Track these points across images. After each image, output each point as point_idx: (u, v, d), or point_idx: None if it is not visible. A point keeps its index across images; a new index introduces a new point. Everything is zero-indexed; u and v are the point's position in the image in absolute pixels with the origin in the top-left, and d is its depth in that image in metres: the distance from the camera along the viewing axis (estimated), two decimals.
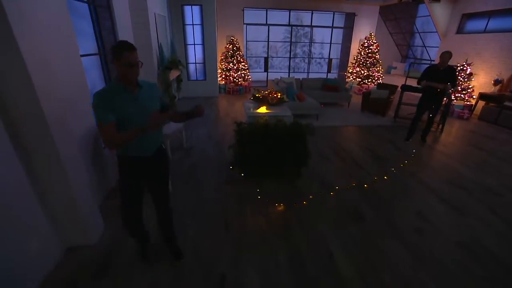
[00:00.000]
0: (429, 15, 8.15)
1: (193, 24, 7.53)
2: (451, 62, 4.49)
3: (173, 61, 5.12)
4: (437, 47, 8.68)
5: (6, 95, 1.60)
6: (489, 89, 6.75)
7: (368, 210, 2.87)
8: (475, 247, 2.38)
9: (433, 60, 8.54)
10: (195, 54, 7.92)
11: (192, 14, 7.40)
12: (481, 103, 6.65)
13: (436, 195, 3.19)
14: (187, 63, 7.86)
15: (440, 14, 7.98)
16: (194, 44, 7.79)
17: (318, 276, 2.05)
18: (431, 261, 2.21)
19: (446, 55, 4.20)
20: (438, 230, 2.60)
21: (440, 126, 5.49)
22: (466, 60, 6.94)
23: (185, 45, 7.70)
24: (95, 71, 3.17)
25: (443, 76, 4.25)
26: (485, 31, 7.21)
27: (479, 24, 7.39)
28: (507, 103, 6.07)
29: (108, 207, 2.76)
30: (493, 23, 7.04)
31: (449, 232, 2.56)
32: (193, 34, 7.66)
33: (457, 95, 6.92)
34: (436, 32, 8.34)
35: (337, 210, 2.86)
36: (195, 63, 8.04)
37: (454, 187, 3.38)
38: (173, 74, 5.14)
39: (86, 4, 2.93)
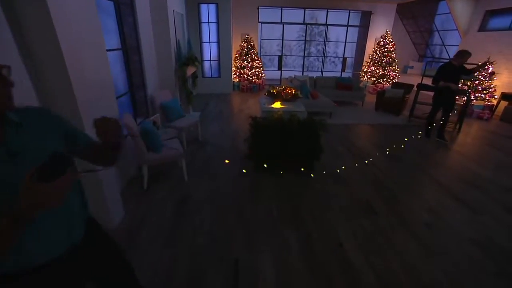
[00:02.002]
0: (450, 13, 7.96)
1: (208, 22, 7.69)
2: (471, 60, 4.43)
3: (190, 57, 5.27)
4: (457, 45, 8.47)
5: (45, 83, 1.76)
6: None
7: (380, 204, 2.90)
8: (488, 244, 2.37)
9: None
10: (210, 51, 8.08)
11: (208, 12, 7.56)
12: (503, 103, 6.45)
13: (449, 193, 3.17)
14: (202, 60, 8.03)
15: (462, 11, 7.78)
16: (210, 42, 7.95)
17: (328, 262, 2.11)
18: (441, 255, 2.23)
19: (466, 55, 4.25)
20: (450, 226, 2.60)
21: (458, 126, 5.39)
22: (488, 59, 6.73)
23: (201, 42, 7.87)
24: (117, 65, 3.34)
25: (458, 74, 4.24)
26: (510, 28, 6.97)
27: (504, 21, 7.15)
28: None
29: (128, 195, 2.92)
30: None
31: (461, 229, 2.56)
32: (209, 32, 7.82)
33: (476, 95, 6.74)
34: (457, 30, 8.13)
35: (349, 203, 2.90)
36: (210, 60, 8.20)
37: (468, 186, 3.34)
38: (190, 70, 5.29)
39: (112, 2, 3.09)
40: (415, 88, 6.07)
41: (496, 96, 6.70)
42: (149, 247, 2.23)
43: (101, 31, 2.30)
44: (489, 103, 6.69)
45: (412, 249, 2.29)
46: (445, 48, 9.12)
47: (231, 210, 2.74)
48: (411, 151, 4.35)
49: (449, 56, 9.01)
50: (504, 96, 6.41)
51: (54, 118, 0.94)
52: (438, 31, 9.15)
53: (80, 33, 1.95)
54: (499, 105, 6.52)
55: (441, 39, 9.13)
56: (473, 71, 4.42)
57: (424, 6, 8.89)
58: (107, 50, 2.55)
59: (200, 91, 8.11)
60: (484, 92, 6.72)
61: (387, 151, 4.18)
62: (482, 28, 7.69)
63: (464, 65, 4.40)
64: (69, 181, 0.70)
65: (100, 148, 1.02)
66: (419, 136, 4.88)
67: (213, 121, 5.60)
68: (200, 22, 7.63)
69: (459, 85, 4.29)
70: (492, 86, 6.74)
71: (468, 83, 6.81)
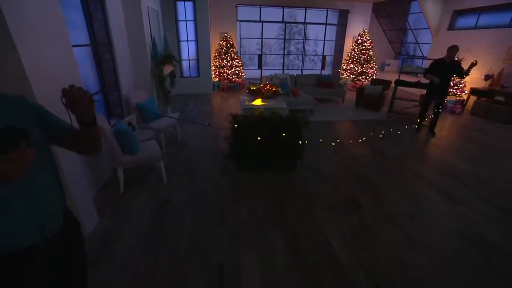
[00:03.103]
0: (421, 12, 8.30)
1: (186, 20, 7.50)
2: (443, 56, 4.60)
3: (167, 55, 5.09)
4: (430, 43, 8.84)
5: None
6: (480, 84, 6.90)
7: (364, 199, 2.91)
8: (469, 233, 2.44)
9: (426, 56, 8.68)
10: (188, 50, 7.89)
11: (185, 9, 7.37)
12: (473, 98, 6.79)
13: (430, 185, 3.26)
14: (180, 60, 7.82)
15: (432, 10, 8.13)
16: (187, 41, 7.76)
17: (316, 262, 2.07)
18: (427, 246, 2.26)
19: (454, 50, 4.39)
20: (433, 217, 2.65)
21: (423, 120, 5.58)
22: (458, 56, 7.06)
23: (178, 41, 7.66)
24: (87, 63, 3.14)
25: (450, 70, 4.43)
26: (475, 27, 7.37)
27: (470, 20, 7.55)
28: (497, 98, 6.21)
29: (102, 199, 2.74)
30: (484, 20, 7.20)
31: (443, 220, 2.62)
32: (186, 30, 7.63)
33: (449, 90, 7.06)
34: (428, 28, 8.49)
35: (334, 199, 2.89)
36: (189, 59, 8.01)
37: (448, 177, 3.45)
38: (167, 69, 5.11)
39: None
40: (392, 85, 6.24)
41: (466, 92, 7.05)
42: (127, 254, 2.08)
43: (65, 25, 2.12)
44: (460, 98, 7.03)
45: (398, 242, 2.30)
46: (419, 46, 9.50)
47: (213, 212, 2.63)
48: (392, 146, 4.45)
49: (423, 54, 9.41)
50: (473, 91, 6.75)
51: (29, 105, 0.91)
52: (411, 29, 9.51)
53: (39, 27, 1.78)
54: (469, 100, 6.87)
55: (415, 37, 9.50)
56: (468, 68, 4.55)
57: (397, 6, 9.21)
58: (73, 46, 2.36)
59: (179, 91, 7.89)
60: (455, 87, 7.05)
61: (360, 139, 4.24)
62: (451, 27, 8.08)
63: (461, 65, 4.58)
64: (24, 154, 0.69)
65: (78, 132, 0.98)
66: (398, 132, 5.00)
67: (193, 121, 5.45)
68: (176, 20, 7.42)
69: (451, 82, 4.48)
70: (462, 82, 7.09)
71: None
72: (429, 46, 8.87)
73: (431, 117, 5.00)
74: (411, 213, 2.70)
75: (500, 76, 6.52)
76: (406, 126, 5.33)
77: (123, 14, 3.91)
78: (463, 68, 4.56)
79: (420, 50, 9.50)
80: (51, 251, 0.94)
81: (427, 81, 4.90)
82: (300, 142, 3.22)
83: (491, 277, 1.99)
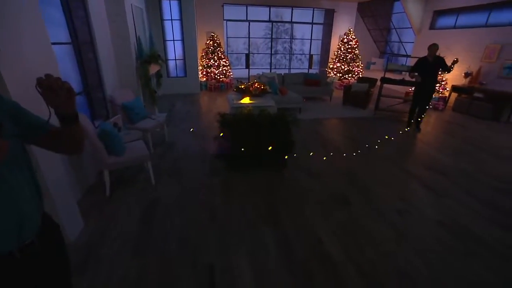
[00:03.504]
0: (404, 12, 8.50)
1: (171, 19, 7.39)
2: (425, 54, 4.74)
3: (153, 55, 4.99)
4: (413, 42, 9.07)
5: None
6: (461, 81, 7.14)
7: (354, 195, 2.95)
8: (453, 225, 2.51)
9: (410, 55, 8.91)
10: (174, 50, 7.77)
11: (170, 9, 7.26)
12: (454, 95, 7.03)
13: (417, 180, 3.34)
14: (166, 59, 7.69)
15: (414, 10, 8.35)
16: (174, 40, 7.64)
17: (308, 260, 2.07)
18: (414, 239, 2.31)
19: (434, 48, 4.59)
20: (419, 211, 2.71)
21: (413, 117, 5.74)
22: (439, 55, 7.28)
23: (164, 41, 7.53)
24: (68, 62, 3.03)
25: (433, 66, 4.61)
26: (455, 27, 7.62)
27: (449, 20, 7.80)
28: (476, 94, 6.45)
29: (87, 203, 2.65)
30: (462, 20, 7.46)
31: (429, 213, 2.69)
32: (172, 30, 7.51)
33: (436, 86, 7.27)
34: (411, 28, 8.71)
35: (324, 196, 2.91)
36: (175, 59, 7.89)
37: (432, 172, 3.55)
38: (153, 69, 5.01)
39: None
40: (378, 83, 6.37)
41: (447, 89, 7.29)
42: (115, 258, 2.02)
43: (43, 21, 2.03)
44: (442, 95, 7.25)
45: (387, 237, 2.34)
46: (402, 45, 9.72)
47: (203, 212, 2.60)
48: (379, 142, 4.53)
49: (406, 52, 9.64)
50: (454, 88, 6.98)
51: (3, 100, 0.84)
52: (395, 29, 9.73)
53: (15, 22, 1.70)
54: (451, 97, 7.10)
55: (398, 36, 9.72)
56: (451, 65, 4.71)
57: (381, 5, 9.40)
58: (53, 44, 2.27)
59: (166, 91, 7.76)
60: (438, 85, 7.27)
61: (349, 136, 4.29)
62: (432, 26, 8.32)
63: (445, 61, 4.75)
64: None
65: (59, 130, 0.93)
66: (385, 128, 5.10)
67: (180, 121, 5.38)
68: (162, 19, 7.30)
69: (438, 78, 4.70)
70: (444, 79, 7.32)
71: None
72: (413, 45, 9.10)
73: (418, 113, 5.14)
74: (398, 208, 2.75)
75: (479, 74, 6.77)
76: (392, 123, 5.45)
77: (105, 11, 3.80)
78: (446, 64, 4.72)
79: (404, 48, 9.73)
80: (28, 259, 0.88)
81: (412, 79, 5.05)
82: (289, 139, 3.23)
83: (472, 264, 2.06)
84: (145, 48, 5.37)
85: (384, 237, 2.33)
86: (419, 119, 5.18)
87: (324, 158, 3.81)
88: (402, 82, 6.15)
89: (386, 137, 4.74)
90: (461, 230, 2.45)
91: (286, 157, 3.36)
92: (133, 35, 4.50)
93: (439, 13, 8.10)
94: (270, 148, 3.15)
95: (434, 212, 2.71)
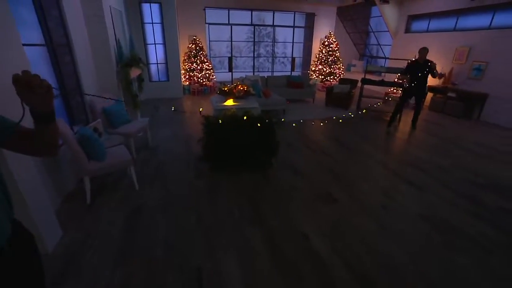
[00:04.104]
0: (381, 16, 8.83)
1: (152, 23, 7.27)
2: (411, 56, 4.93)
3: (134, 58, 4.88)
4: (390, 45, 9.43)
5: None
6: (435, 82, 7.48)
7: (339, 193, 3.00)
8: (431, 216, 2.62)
9: (388, 57, 9.26)
10: (156, 54, 7.65)
11: (151, 12, 7.15)
12: (430, 95, 7.35)
13: (398, 175, 3.45)
14: (148, 63, 7.55)
15: (390, 14, 8.69)
16: (155, 44, 7.52)
17: (296, 257, 2.08)
18: (398, 232, 2.38)
19: (424, 51, 4.80)
20: (402, 205, 2.81)
21: (398, 116, 5.95)
22: (415, 56, 7.61)
23: (145, 44, 7.40)
24: (42, 65, 2.90)
25: (422, 69, 4.82)
26: (427, 30, 8.00)
27: (423, 24, 8.18)
28: (449, 94, 6.79)
29: (66, 212, 2.54)
30: (434, 24, 7.86)
31: (411, 207, 2.78)
32: (153, 33, 7.39)
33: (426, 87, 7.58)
34: (388, 31, 9.06)
35: (310, 195, 2.94)
36: (157, 63, 7.76)
37: (413, 168, 3.68)
38: (134, 73, 4.89)
39: None
40: (359, 84, 6.55)
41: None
42: (97, 267, 1.94)
43: (13, 20, 1.94)
44: None
45: (372, 231, 2.40)
46: (381, 47, 10.08)
47: (189, 216, 2.55)
48: (361, 141, 4.65)
49: (384, 55, 10.00)
50: (430, 88, 7.31)
51: None
52: (373, 32, 10.08)
53: None
54: (427, 97, 7.42)
55: (377, 39, 10.07)
56: (435, 71, 4.91)
57: (359, 10, 9.72)
58: (24, 45, 2.17)
59: (148, 96, 7.61)
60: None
61: (332, 136, 4.38)
62: (408, 30, 8.70)
63: (435, 65, 4.95)
64: None
65: (29, 131, 0.89)
66: (367, 128, 5.25)
67: (164, 125, 5.28)
68: (143, 22, 7.17)
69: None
70: None
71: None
72: (390, 48, 9.46)
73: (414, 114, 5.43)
74: (382, 202, 2.83)
75: (451, 74, 7.12)
76: (374, 122, 5.61)
77: (82, 13, 3.68)
78: (435, 69, 4.95)
79: (382, 51, 10.09)
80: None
81: (391, 80, 5.24)
82: (273, 140, 3.25)
83: (450, 253, 2.16)
84: (126, 52, 5.25)
85: (370, 232, 2.38)
86: (414, 119, 5.45)
87: (310, 156, 3.85)
88: (381, 83, 6.36)
89: (366, 135, 4.88)
90: (438, 221, 2.56)
91: (271, 157, 3.37)
92: (113, 38, 4.39)
93: (413, 18, 8.48)
94: (254, 149, 3.15)
95: (414, 205, 2.81)
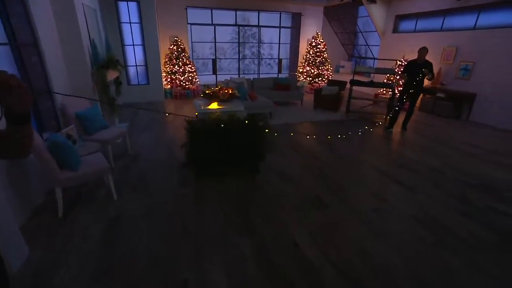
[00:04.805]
0: (369, 16, 9.14)
1: (130, 22, 7.20)
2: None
3: (110, 60, 4.79)
4: (378, 45, 9.75)
5: None
6: (425, 82, 7.76)
7: (329, 197, 3.03)
8: (423, 217, 2.70)
9: (376, 58, 9.55)
10: (135, 55, 7.55)
11: (128, 10, 7.08)
12: (420, 95, 7.60)
13: (389, 177, 3.53)
14: (126, 66, 7.44)
15: (378, 14, 9.00)
16: (133, 45, 7.43)
17: (286, 265, 2.07)
18: (390, 235, 2.43)
19: (423, 51, 4.96)
20: (394, 207, 2.87)
21: (388, 117, 6.12)
22: (403, 56, 7.91)
23: (123, 45, 7.30)
24: (6, 66, 2.80)
25: (421, 69, 4.97)
26: (415, 30, 8.34)
27: (410, 24, 8.53)
28: (439, 94, 7.06)
29: (34, 227, 2.42)
30: (421, 24, 8.20)
31: (403, 208, 2.85)
32: (131, 33, 7.31)
33: (400, 88, 7.82)
34: (376, 31, 9.37)
35: (299, 200, 2.96)
36: (136, 65, 7.66)
37: (403, 169, 3.78)
38: (111, 75, 4.80)
39: None
40: (348, 85, 6.70)
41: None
42: (71, 287, 1.85)
43: None
44: None
45: (363, 235, 2.43)
46: (369, 48, 10.40)
47: (173, 225, 2.50)
48: (351, 143, 4.74)
49: (373, 55, 10.32)
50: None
51: None
52: (361, 32, 10.40)
53: None
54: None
55: (365, 39, 10.40)
56: (430, 71, 5.07)
57: (346, 9, 10.03)
58: None
59: (127, 100, 7.47)
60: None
61: (321, 139, 4.45)
62: (395, 30, 9.03)
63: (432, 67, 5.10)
64: None
65: (2, 132, 0.86)
66: (360, 132, 5.36)
67: (144, 131, 5.19)
68: (119, 22, 7.08)
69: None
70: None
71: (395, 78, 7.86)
72: (378, 48, 9.77)
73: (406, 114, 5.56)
74: (373, 205, 2.88)
75: (439, 75, 7.43)
76: (364, 124, 5.73)
77: (51, 9, 3.59)
78: (432, 69, 5.11)
79: (371, 51, 10.41)
80: None
81: (380, 81, 5.39)
82: (261, 144, 3.26)
83: (442, 252, 2.23)
84: (101, 52, 5.16)
85: (361, 235, 2.41)
86: (407, 120, 5.60)
87: (298, 161, 3.88)
88: (371, 84, 6.54)
89: (357, 138, 4.98)
90: (430, 221, 2.64)
91: (258, 162, 3.37)
92: (86, 37, 4.31)
93: (400, 18, 8.81)
94: (241, 154, 3.14)
95: (406, 206, 2.88)
